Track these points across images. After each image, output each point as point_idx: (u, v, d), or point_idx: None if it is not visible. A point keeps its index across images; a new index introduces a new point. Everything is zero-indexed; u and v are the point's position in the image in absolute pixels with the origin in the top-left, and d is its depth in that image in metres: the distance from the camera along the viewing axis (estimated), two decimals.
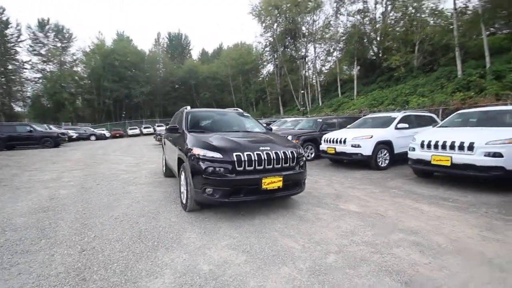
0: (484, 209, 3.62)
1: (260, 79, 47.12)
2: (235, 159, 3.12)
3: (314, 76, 32.00)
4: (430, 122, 8.17)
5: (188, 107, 5.09)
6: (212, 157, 3.16)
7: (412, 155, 5.42)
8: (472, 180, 4.96)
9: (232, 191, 3.11)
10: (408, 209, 3.70)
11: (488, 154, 4.28)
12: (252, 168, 3.19)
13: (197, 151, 3.28)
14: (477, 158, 4.35)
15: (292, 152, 3.48)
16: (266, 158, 3.24)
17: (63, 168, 7.53)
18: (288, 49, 39.07)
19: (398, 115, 7.64)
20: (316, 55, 33.46)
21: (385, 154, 6.99)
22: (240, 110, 5.49)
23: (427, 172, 5.63)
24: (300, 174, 3.54)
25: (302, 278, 2.04)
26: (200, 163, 3.19)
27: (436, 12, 21.13)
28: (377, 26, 27.39)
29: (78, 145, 18.98)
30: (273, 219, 3.32)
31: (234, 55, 45.84)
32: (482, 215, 3.40)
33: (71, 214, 3.53)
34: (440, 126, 6.03)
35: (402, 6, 23.73)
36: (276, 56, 37.91)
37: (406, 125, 7.23)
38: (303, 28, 35.01)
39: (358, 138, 6.86)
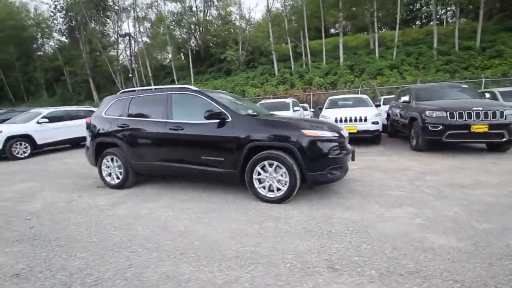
0: (392, 152, 6.32)
1: (43, 53, 34.68)
2: (344, 135, 3.36)
3: (143, 58, 28.76)
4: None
5: (191, 87, 3.90)
6: (333, 136, 3.16)
7: None
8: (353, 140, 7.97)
9: (347, 166, 3.34)
10: (382, 160, 5.54)
11: (373, 123, 7.23)
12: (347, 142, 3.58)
13: (313, 133, 3.08)
14: (369, 125, 7.18)
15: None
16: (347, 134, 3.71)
17: None
18: (95, 23, 31.65)
19: (289, 101, 9.86)
20: (136, 35, 30.06)
21: None
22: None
23: None
24: None
25: (468, 197, 3.10)
26: (322, 144, 3.07)
27: (246, 20, 26.61)
28: (197, 18, 29.47)
29: None
30: (352, 182, 3.90)
31: None
32: (399, 155, 5.98)
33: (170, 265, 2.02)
34: (328, 108, 8.74)
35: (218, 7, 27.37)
36: (79, 26, 29.53)
37: (299, 109, 9.60)
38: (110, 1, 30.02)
39: None
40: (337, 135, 3.25)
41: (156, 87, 4.23)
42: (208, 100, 3.58)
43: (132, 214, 3.08)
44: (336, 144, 3.19)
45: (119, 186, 4.15)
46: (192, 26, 28.74)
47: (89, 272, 1.97)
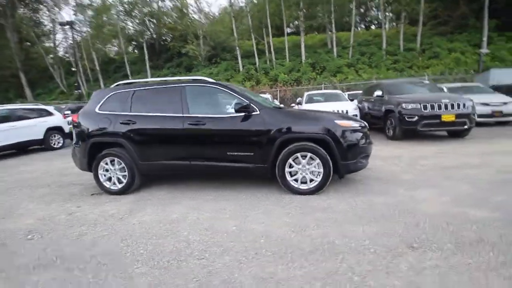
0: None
1: None
2: (367, 125, 3.53)
3: (88, 51, 25.59)
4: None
5: (207, 79, 3.65)
6: (360, 126, 3.30)
7: None
8: None
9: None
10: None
11: (353, 116, 7.75)
12: None
13: (346, 123, 3.18)
14: None
15: None
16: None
17: None
18: (24, 8, 27.02)
19: (268, 96, 9.96)
20: (78, 24, 26.57)
21: None
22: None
23: None
24: None
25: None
26: (354, 134, 3.20)
27: (204, 14, 25.84)
28: (151, 9, 27.50)
29: None
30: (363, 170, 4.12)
31: None
32: (382, 144, 6.53)
33: None
34: (308, 103, 9.07)
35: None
36: (4, 11, 24.88)
37: (278, 104, 9.74)
38: None
39: None
40: (363, 125, 3.41)
41: (163, 78, 3.85)
42: (231, 92, 3.41)
43: (163, 220, 2.76)
44: (363, 134, 3.35)
45: (122, 192, 3.67)
46: (145, 17, 26.66)
47: None
